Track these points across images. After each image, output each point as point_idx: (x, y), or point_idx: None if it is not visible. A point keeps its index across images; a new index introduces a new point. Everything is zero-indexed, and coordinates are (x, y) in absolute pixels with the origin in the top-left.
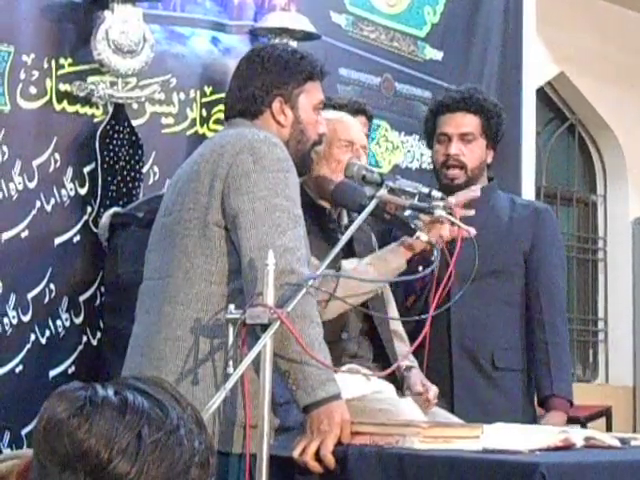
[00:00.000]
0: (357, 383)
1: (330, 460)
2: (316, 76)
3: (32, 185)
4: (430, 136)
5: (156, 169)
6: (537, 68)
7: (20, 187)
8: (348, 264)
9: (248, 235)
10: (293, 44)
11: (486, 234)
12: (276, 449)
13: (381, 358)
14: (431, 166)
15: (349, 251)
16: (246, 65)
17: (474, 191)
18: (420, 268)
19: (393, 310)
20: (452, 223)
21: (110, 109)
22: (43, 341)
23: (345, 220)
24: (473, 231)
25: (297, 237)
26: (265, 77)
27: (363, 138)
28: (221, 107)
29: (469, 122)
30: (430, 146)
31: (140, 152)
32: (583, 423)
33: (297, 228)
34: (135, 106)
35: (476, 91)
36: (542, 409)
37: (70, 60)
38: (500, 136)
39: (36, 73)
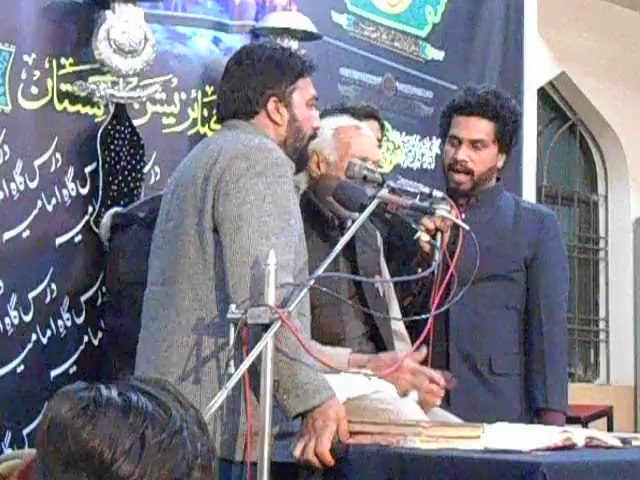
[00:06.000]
0: (358, 383)
1: (327, 457)
2: (306, 72)
3: (33, 185)
4: (444, 133)
5: (157, 169)
6: (538, 68)
7: (21, 187)
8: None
9: (232, 241)
10: (294, 44)
11: (489, 237)
12: (277, 455)
13: None
14: (432, 166)
15: (350, 252)
16: (236, 66)
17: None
18: (419, 270)
19: (396, 311)
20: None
21: (111, 109)
22: (44, 341)
23: (349, 224)
24: (466, 226)
25: (282, 244)
26: (258, 78)
27: (377, 153)
28: None
29: (482, 128)
30: (444, 141)
31: (141, 152)
32: (584, 423)
33: (283, 234)
34: (136, 106)
35: (494, 96)
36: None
37: (71, 60)
38: (514, 142)
39: (37, 73)
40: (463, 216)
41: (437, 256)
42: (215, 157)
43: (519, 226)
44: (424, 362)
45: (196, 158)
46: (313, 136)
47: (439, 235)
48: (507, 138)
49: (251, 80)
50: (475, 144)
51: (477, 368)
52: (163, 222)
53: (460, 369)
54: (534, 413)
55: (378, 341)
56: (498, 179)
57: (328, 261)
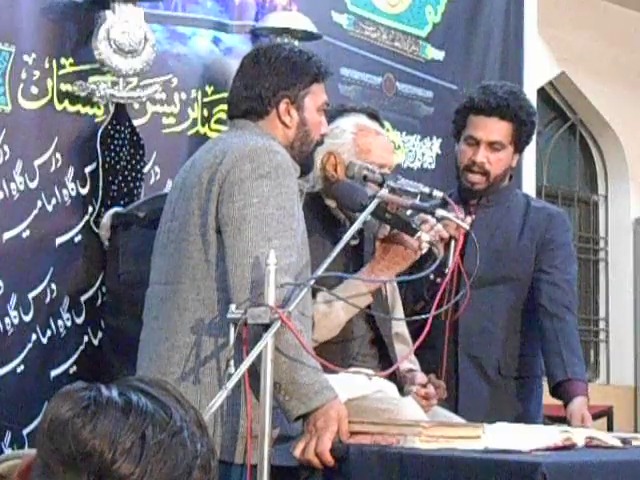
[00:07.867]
0: (359, 383)
1: (328, 457)
2: (321, 78)
3: (33, 185)
4: (458, 130)
5: (157, 169)
6: (538, 68)
7: (21, 187)
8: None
9: (234, 242)
10: (294, 44)
11: (498, 239)
12: (277, 459)
13: (384, 359)
14: (432, 166)
15: (358, 255)
16: (252, 64)
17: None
18: (432, 276)
19: (399, 313)
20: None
21: (111, 109)
22: (44, 341)
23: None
24: (467, 226)
25: (283, 246)
26: (272, 78)
27: (393, 159)
28: (222, 107)
29: (501, 130)
30: (457, 139)
31: (141, 152)
32: None
33: (286, 237)
34: (136, 106)
35: (514, 97)
36: (558, 399)
37: (71, 60)
38: (529, 142)
39: (37, 73)
40: (473, 217)
41: (450, 262)
42: (220, 158)
43: (527, 226)
44: (434, 367)
45: (202, 158)
46: (319, 143)
47: (452, 243)
48: (524, 139)
49: (266, 79)
50: (493, 145)
51: (485, 371)
52: (168, 221)
53: (468, 372)
54: (553, 390)
55: (379, 341)
56: (510, 177)
57: (329, 260)
